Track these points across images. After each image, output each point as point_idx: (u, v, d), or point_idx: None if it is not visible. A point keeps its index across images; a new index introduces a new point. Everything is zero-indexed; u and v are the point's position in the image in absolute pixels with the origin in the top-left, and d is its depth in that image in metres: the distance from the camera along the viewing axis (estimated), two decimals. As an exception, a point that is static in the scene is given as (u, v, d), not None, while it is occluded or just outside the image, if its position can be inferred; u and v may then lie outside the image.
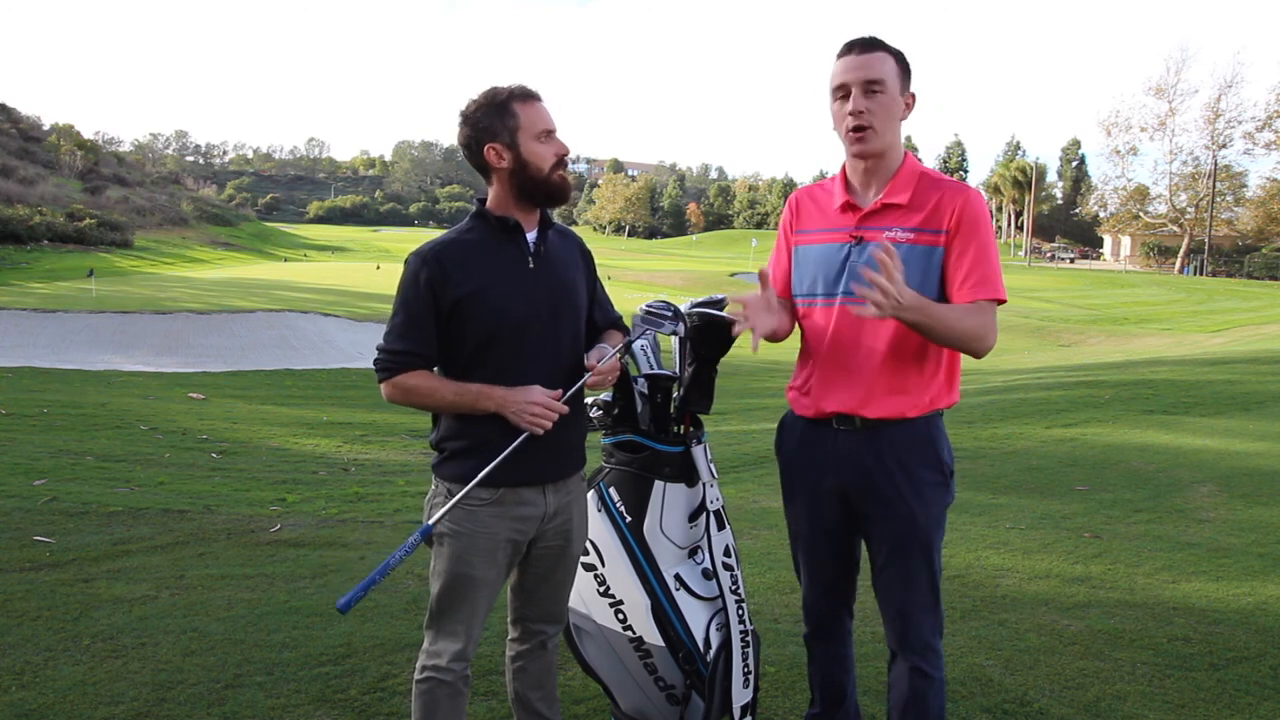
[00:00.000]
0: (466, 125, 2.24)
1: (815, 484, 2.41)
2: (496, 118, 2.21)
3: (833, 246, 2.33)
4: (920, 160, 2.36)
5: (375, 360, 2.26)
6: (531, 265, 2.28)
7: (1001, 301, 2.22)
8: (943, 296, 2.23)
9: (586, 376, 2.27)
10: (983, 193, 2.44)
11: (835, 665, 2.61)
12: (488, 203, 2.31)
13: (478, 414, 2.21)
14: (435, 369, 2.28)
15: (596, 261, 2.54)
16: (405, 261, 2.26)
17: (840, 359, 2.31)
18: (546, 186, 2.25)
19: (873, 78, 2.18)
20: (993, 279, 2.20)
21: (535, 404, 2.16)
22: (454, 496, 2.26)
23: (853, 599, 2.60)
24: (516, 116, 2.20)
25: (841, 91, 2.23)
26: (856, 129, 2.21)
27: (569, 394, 2.23)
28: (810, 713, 2.70)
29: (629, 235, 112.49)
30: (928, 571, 2.33)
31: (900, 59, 2.24)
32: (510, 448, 2.16)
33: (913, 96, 2.27)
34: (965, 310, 2.18)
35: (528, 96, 2.23)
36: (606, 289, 2.59)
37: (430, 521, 2.23)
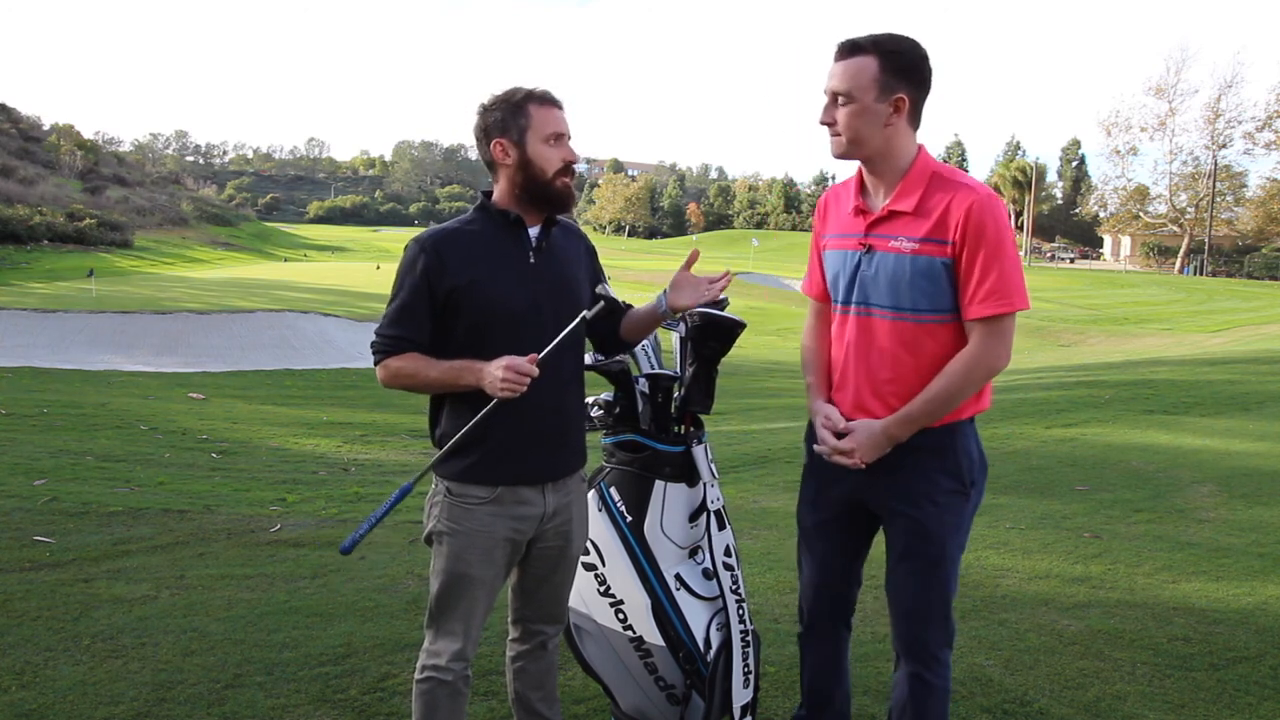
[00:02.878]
0: (480, 116, 2.25)
1: (831, 482, 2.38)
2: (509, 115, 2.21)
3: (846, 253, 2.30)
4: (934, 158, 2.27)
5: (371, 343, 2.26)
6: (533, 260, 2.28)
7: (1019, 309, 2.12)
8: (955, 306, 2.17)
9: (561, 335, 2.19)
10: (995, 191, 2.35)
11: (825, 670, 2.57)
12: (493, 195, 2.31)
13: (463, 391, 2.19)
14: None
15: None
16: (405, 247, 2.26)
17: (859, 366, 2.27)
18: (548, 191, 2.24)
19: (838, 89, 2.17)
20: (1005, 289, 2.09)
21: (507, 368, 2.09)
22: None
23: (850, 610, 2.55)
24: (529, 117, 2.21)
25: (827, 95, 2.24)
26: (830, 133, 2.23)
27: (543, 354, 2.14)
28: (797, 714, 2.67)
29: (629, 235, 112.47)
30: (938, 580, 2.26)
31: (889, 59, 2.13)
32: (481, 413, 2.14)
33: (901, 100, 2.14)
34: (949, 373, 2.15)
35: (545, 100, 2.23)
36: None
37: (410, 482, 2.24)
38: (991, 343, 2.14)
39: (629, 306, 2.49)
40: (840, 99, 2.17)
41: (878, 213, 2.23)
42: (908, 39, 2.18)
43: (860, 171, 2.31)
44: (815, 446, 2.31)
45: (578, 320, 2.26)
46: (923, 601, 2.29)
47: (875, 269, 2.21)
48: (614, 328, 2.44)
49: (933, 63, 2.21)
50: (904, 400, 2.20)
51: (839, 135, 2.20)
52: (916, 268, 2.15)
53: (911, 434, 2.19)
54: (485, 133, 2.24)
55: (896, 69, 2.14)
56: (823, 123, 2.22)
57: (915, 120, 2.21)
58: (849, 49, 2.17)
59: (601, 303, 2.31)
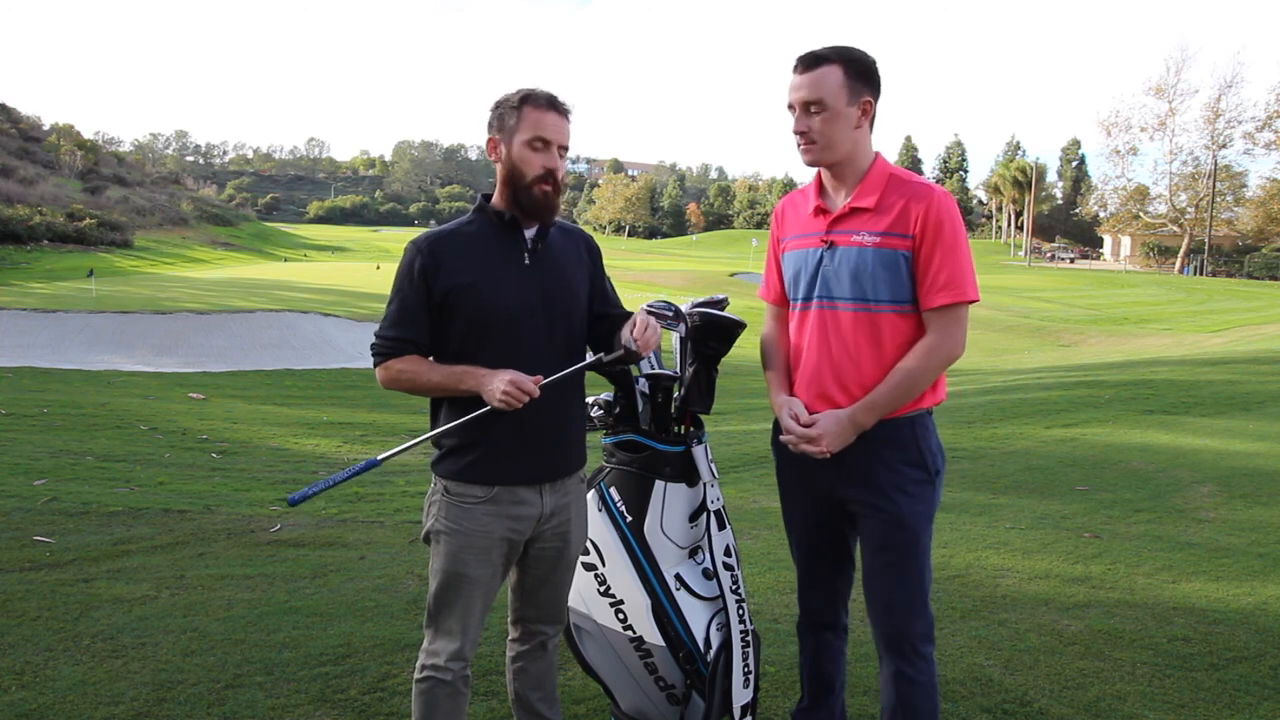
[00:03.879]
0: (490, 112, 2.27)
1: (804, 478, 2.44)
2: (505, 113, 2.23)
3: (808, 251, 2.38)
4: (893, 162, 2.39)
5: (371, 345, 2.28)
6: (528, 261, 2.28)
7: (972, 301, 2.25)
8: (914, 298, 2.27)
9: (571, 370, 2.23)
10: (950, 191, 2.42)
11: (825, 656, 2.61)
12: (492, 197, 2.32)
13: (463, 395, 2.20)
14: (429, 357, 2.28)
15: None
16: (404, 250, 2.28)
17: (822, 358, 2.35)
18: (526, 195, 2.23)
19: (810, 99, 2.25)
20: (960, 281, 2.22)
21: (510, 382, 2.11)
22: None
23: (847, 594, 2.61)
24: (521, 118, 2.21)
25: (791, 109, 2.32)
26: (803, 142, 2.31)
27: (549, 380, 2.18)
28: (799, 707, 2.70)
29: (629, 235, 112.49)
30: (914, 570, 2.32)
31: (851, 66, 2.24)
32: (471, 416, 2.15)
33: (868, 103, 2.26)
34: (910, 360, 2.24)
35: (541, 104, 2.21)
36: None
37: (380, 457, 2.22)
38: (949, 330, 2.25)
39: (629, 314, 2.48)
40: (813, 108, 2.26)
41: (839, 210, 2.32)
42: (860, 49, 2.30)
43: (819, 176, 2.41)
44: (781, 437, 2.37)
45: (592, 360, 2.29)
46: (902, 592, 2.34)
47: (838, 263, 2.30)
48: (609, 333, 2.43)
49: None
50: (866, 390, 2.28)
51: (814, 143, 2.29)
52: (879, 259, 2.25)
53: (875, 421, 2.26)
54: (488, 127, 2.27)
55: (859, 74, 2.26)
56: (797, 132, 2.30)
57: (873, 124, 2.33)
58: (812, 61, 2.26)
59: (621, 350, 2.32)
